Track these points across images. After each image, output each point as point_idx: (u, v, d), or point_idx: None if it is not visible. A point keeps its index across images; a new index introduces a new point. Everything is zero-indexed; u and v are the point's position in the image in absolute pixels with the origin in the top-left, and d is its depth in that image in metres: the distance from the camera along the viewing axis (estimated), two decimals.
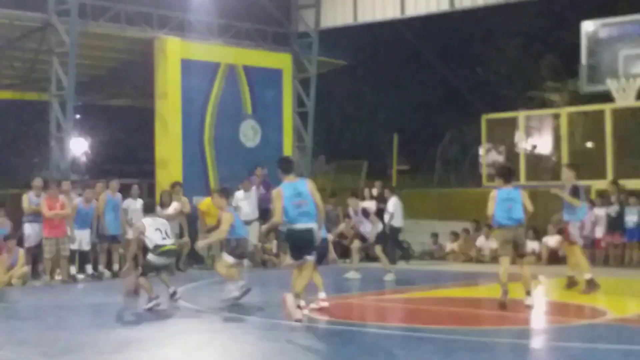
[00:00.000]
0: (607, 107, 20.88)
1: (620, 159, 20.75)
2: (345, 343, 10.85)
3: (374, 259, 18.43)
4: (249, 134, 24.27)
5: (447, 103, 33.10)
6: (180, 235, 20.18)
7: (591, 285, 14.06)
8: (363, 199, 21.10)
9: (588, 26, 21.15)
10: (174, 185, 20.84)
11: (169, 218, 19.37)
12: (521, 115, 23.72)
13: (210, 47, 23.75)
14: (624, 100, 20.34)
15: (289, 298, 11.30)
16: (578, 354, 9.25)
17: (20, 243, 18.26)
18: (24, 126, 28.74)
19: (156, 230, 13.63)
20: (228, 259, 13.91)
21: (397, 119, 32.62)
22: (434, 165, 30.61)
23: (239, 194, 20.42)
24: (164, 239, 13.64)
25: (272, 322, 12.48)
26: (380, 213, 22.21)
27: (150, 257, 13.66)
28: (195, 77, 23.13)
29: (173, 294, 13.97)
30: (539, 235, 20.69)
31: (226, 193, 14.58)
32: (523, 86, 30.29)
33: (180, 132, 22.77)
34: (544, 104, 28.89)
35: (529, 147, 23.76)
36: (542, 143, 24.44)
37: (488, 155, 24.47)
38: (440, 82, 32.62)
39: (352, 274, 18.14)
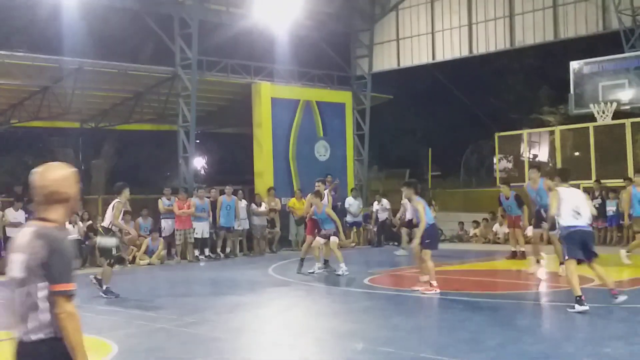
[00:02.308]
0: (590, 125, 20.47)
1: (601, 164, 20.32)
2: (398, 304, 10.86)
3: None
4: (321, 151, 24.35)
5: (469, 124, 32.72)
6: (272, 226, 20.43)
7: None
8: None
9: (575, 64, 20.74)
10: (270, 189, 21.08)
11: (262, 214, 19.72)
12: (525, 132, 23.39)
13: (292, 88, 23.90)
14: (603, 120, 19.90)
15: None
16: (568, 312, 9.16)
17: (159, 234, 18.69)
18: (160, 149, 29.28)
19: None
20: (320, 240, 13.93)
21: (431, 137, 32.32)
22: (459, 171, 30.38)
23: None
24: None
25: (344, 290, 12.54)
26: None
27: None
28: (282, 110, 23.29)
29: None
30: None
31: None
32: (526, 111, 29.79)
33: (271, 150, 22.97)
34: (542, 123, 28.38)
35: (531, 157, 23.39)
36: (541, 153, 24.03)
37: (500, 164, 24.21)
38: (464, 108, 32.36)
39: (401, 252, 18.05)
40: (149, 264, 17.73)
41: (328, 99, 24.89)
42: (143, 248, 18.00)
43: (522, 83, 32.67)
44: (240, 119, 24.56)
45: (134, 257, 17.77)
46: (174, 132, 22.59)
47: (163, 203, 18.92)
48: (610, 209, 19.16)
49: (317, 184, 14.86)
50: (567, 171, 10.81)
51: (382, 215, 21.83)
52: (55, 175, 3.63)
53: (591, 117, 20.37)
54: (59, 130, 27.53)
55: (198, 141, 23.34)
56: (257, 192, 21.34)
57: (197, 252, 18.77)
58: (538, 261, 13.23)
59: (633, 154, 19.80)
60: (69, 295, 3.42)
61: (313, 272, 13.86)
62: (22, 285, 3.46)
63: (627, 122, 19.71)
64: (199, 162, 22.87)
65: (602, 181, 19.69)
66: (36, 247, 3.46)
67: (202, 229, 18.74)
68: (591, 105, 20.06)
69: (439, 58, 24.82)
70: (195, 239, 18.65)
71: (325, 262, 14.22)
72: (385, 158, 33.11)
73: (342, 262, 13.66)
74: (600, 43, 22.81)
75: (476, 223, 22.57)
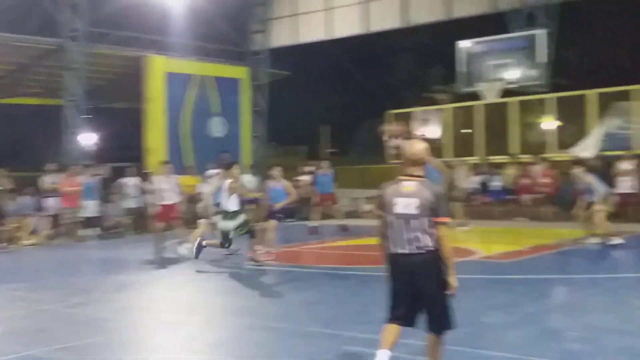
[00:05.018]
0: (478, 104, 21.15)
1: (488, 141, 21.05)
2: (290, 280, 10.90)
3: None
4: (216, 127, 24.08)
5: (364, 102, 33.14)
6: None
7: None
8: (303, 174, 21.11)
9: (463, 44, 21.34)
10: (165, 162, 20.47)
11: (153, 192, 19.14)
12: (416, 110, 23.91)
13: (186, 62, 23.45)
14: (490, 98, 20.61)
15: None
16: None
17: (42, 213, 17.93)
18: (47, 125, 28.07)
19: None
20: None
21: (328, 114, 32.55)
22: (355, 148, 30.77)
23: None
24: None
25: (236, 268, 12.48)
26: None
27: None
28: (175, 85, 22.87)
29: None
30: None
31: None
32: (419, 89, 30.47)
33: (164, 126, 22.51)
34: (434, 102, 29.09)
35: (422, 134, 23.90)
36: (433, 131, 24.57)
37: (391, 141, 24.53)
38: (360, 86, 32.76)
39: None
40: (34, 244, 17.03)
41: (224, 74, 24.59)
42: (28, 228, 17.26)
43: (416, 61, 33.35)
44: (133, 94, 23.89)
45: (17, 238, 17.00)
46: (60, 106, 21.72)
47: (47, 180, 18.14)
48: (495, 184, 19.86)
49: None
50: None
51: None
52: None
53: (479, 96, 21.04)
54: None
55: (90, 116, 22.54)
56: (148, 169, 20.78)
57: (86, 231, 18.19)
58: None
59: (518, 131, 20.62)
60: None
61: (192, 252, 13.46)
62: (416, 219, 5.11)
63: (513, 100, 20.49)
64: (91, 138, 22.08)
65: (488, 157, 20.40)
66: None
67: (90, 207, 18.16)
68: (479, 84, 20.73)
69: (336, 35, 24.96)
70: (85, 218, 18.06)
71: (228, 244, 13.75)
72: (283, 135, 33.11)
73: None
74: (491, 23, 23.53)
75: (370, 199, 22.91)
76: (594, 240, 13.13)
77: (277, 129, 32.56)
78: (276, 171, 13.35)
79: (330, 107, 33.89)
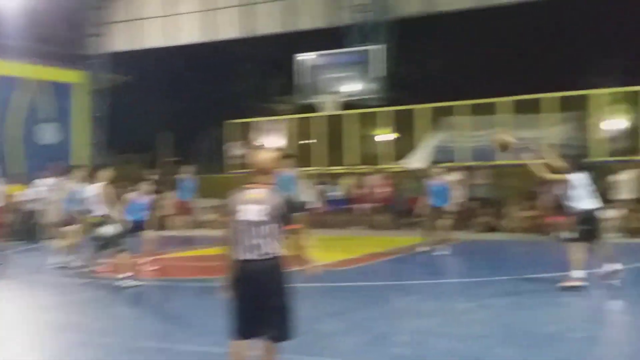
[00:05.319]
0: (316, 115, 21.59)
1: (328, 152, 21.51)
2: (121, 294, 10.49)
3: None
4: (47, 134, 22.89)
5: (206, 110, 32.84)
6: None
7: None
8: (138, 183, 20.39)
9: (302, 56, 21.75)
10: None
11: None
12: (254, 120, 24.03)
13: (15, 65, 22.13)
14: (328, 110, 21.11)
15: None
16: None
17: None
18: None
19: None
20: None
21: (170, 122, 31.93)
22: (196, 157, 30.37)
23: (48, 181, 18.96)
24: None
25: (67, 281, 11.88)
26: (157, 194, 21.76)
27: None
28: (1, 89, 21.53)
29: None
30: None
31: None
32: (260, 99, 30.68)
33: None
34: (274, 112, 29.40)
35: (262, 144, 24.03)
36: (273, 141, 24.72)
37: (231, 150, 24.50)
38: (201, 94, 32.47)
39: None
40: None
41: (58, 78, 23.48)
42: None
43: (258, 72, 33.55)
44: None
45: None
46: None
47: None
48: (334, 194, 20.33)
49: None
50: None
51: None
52: None
53: (317, 108, 21.49)
54: None
55: None
56: None
57: None
58: None
59: (355, 143, 21.26)
60: None
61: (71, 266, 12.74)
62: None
63: (350, 112, 21.11)
64: None
65: (327, 168, 20.86)
66: None
67: None
68: (317, 96, 21.19)
69: (177, 41, 24.65)
70: None
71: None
72: (123, 142, 32.07)
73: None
74: (333, 37, 24.13)
75: (214, 208, 22.66)
76: (442, 248, 13.43)
77: (118, 136, 31.53)
78: (145, 185, 12.49)
79: (172, 114, 33.28)
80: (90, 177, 11.33)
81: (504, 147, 10.52)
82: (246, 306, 5.23)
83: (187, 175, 17.75)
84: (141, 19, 24.80)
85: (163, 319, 8.50)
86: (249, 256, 5.19)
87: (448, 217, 13.57)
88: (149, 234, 12.08)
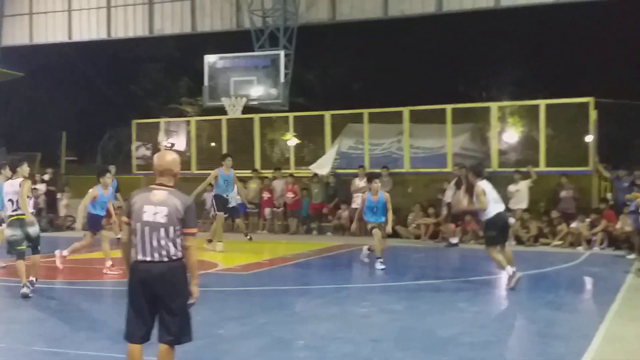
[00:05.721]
0: (223, 118, 21.44)
1: (233, 155, 21.34)
2: (16, 297, 10.07)
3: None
4: None
5: (108, 109, 32.06)
6: None
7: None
8: (35, 183, 19.67)
9: (209, 58, 21.51)
10: None
11: None
12: (162, 121, 23.67)
13: None
14: (234, 113, 20.99)
15: None
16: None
17: None
18: None
19: None
20: None
21: (66, 120, 30.91)
22: (96, 156, 29.63)
23: None
24: None
25: None
26: (49, 194, 21.08)
27: None
28: None
29: None
30: None
31: None
32: (166, 99, 30.25)
33: None
34: (181, 113, 29.05)
35: (168, 145, 23.66)
36: (180, 142, 24.40)
37: (138, 151, 24.01)
38: (102, 93, 31.68)
39: None
40: None
41: None
42: None
43: (163, 72, 33.09)
44: None
45: None
46: None
47: None
48: (239, 198, 20.19)
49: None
50: None
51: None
52: None
53: (225, 110, 21.36)
54: None
55: None
56: None
57: None
58: None
59: (261, 147, 21.26)
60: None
61: None
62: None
63: (256, 117, 21.08)
64: None
65: (235, 171, 20.70)
66: None
67: None
68: (223, 99, 21.05)
69: (76, 38, 23.96)
70: None
71: None
72: (14, 140, 30.82)
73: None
74: (236, 40, 24.08)
75: (118, 210, 22.06)
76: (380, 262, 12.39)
77: (9, 133, 30.25)
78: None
79: (70, 112, 32.29)
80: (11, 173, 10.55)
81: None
82: (141, 310, 5.17)
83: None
84: (38, 12, 23.92)
85: (57, 323, 8.22)
86: (148, 258, 5.15)
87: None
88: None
